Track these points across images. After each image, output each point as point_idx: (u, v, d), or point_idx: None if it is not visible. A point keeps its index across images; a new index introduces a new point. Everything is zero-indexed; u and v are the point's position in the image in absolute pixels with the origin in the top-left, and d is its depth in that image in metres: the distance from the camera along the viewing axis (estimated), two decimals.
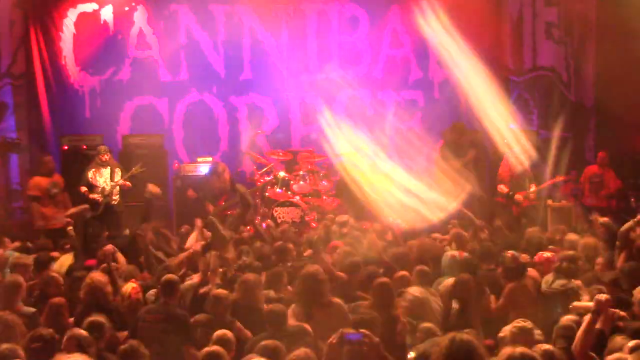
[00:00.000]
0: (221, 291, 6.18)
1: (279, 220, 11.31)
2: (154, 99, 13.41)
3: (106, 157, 10.68)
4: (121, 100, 13.26)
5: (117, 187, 10.62)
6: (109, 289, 6.48)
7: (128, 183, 10.52)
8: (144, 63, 13.24)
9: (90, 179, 10.59)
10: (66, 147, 11.95)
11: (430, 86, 13.85)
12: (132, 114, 13.30)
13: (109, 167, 10.68)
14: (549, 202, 11.40)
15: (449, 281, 6.89)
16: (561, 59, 13.74)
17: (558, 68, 13.72)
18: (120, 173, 10.71)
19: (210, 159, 12.33)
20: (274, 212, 11.55)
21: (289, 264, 7.66)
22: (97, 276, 6.50)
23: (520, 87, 13.69)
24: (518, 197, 10.91)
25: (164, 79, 13.41)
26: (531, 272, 7.37)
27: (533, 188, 10.96)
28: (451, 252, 7.62)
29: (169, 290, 6.27)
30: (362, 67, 13.80)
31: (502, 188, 11.03)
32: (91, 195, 10.38)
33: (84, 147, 11.83)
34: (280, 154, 12.59)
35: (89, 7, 13.06)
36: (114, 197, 10.59)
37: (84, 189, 10.49)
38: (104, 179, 10.61)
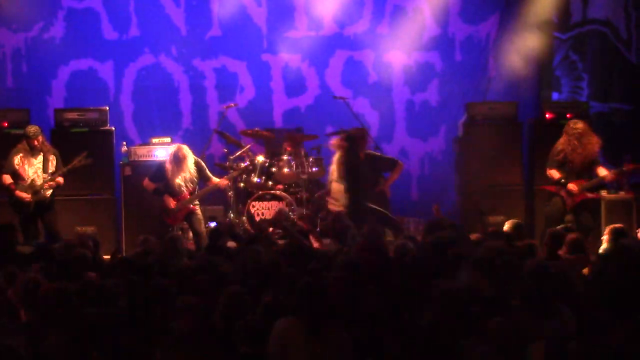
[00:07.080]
0: None
1: (257, 218, 11.06)
2: (95, 63, 12.65)
3: (37, 142, 9.88)
4: (53, 64, 12.50)
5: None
6: None
7: (61, 179, 9.91)
8: (83, 16, 12.46)
9: (17, 166, 9.75)
10: None
11: (450, 45, 12.94)
12: (68, 82, 12.56)
13: (41, 155, 9.92)
14: (603, 193, 10.52)
15: None
16: (619, 10, 12.83)
17: (615, 21, 12.85)
18: (55, 162, 9.95)
19: (168, 139, 11.47)
20: (250, 207, 11.16)
21: None
22: None
23: (566, 46, 12.94)
24: (572, 186, 9.83)
25: (109, 37, 12.63)
26: None
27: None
28: None
29: None
30: (363, 22, 12.87)
31: (553, 174, 9.98)
32: (19, 193, 9.65)
33: (5, 124, 11.11)
34: (259, 132, 11.83)
35: None
36: (46, 192, 9.88)
37: (8, 179, 9.68)
38: (35, 169, 9.83)
